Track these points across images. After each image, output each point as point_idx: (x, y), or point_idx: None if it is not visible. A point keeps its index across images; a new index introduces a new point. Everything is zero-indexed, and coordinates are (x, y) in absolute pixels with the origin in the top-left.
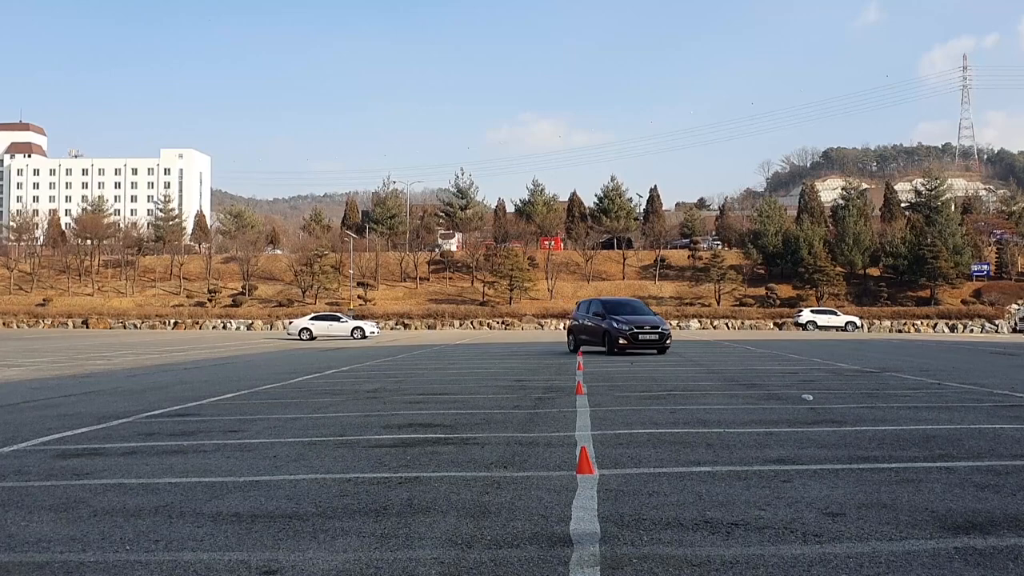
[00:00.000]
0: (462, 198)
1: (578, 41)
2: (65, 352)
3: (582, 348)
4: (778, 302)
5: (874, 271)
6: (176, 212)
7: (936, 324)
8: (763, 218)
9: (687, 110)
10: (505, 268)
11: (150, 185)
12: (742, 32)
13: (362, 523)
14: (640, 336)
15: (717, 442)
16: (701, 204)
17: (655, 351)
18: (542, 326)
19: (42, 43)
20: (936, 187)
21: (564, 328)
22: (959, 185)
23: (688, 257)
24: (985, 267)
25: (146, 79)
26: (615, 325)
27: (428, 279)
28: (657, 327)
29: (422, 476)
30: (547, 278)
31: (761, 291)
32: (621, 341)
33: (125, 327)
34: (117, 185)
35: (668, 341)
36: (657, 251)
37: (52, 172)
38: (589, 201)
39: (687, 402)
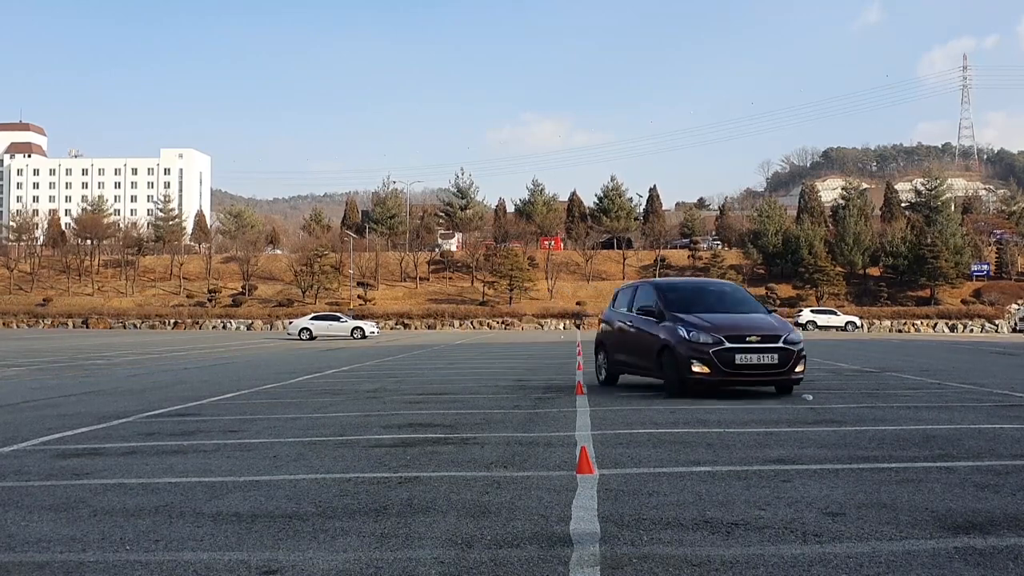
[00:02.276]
0: (462, 198)
1: (578, 41)
2: (65, 352)
3: (623, 376)
4: (778, 302)
5: (874, 271)
6: (176, 212)
7: (936, 324)
8: (763, 218)
9: (687, 110)
10: (505, 268)
11: (150, 185)
12: (742, 32)
13: (362, 523)
14: (739, 357)
15: (717, 442)
16: (701, 204)
17: (772, 387)
18: (542, 326)
19: (42, 43)
20: (936, 187)
21: (564, 328)
22: (959, 185)
23: (688, 257)
24: (985, 267)
25: (146, 79)
26: (685, 333)
27: (428, 279)
28: (778, 336)
29: (422, 476)
30: (547, 278)
31: (761, 291)
32: (698, 369)
33: (125, 327)
34: (117, 185)
35: (800, 368)
36: (657, 251)
37: (52, 172)
38: (589, 201)
39: (687, 402)
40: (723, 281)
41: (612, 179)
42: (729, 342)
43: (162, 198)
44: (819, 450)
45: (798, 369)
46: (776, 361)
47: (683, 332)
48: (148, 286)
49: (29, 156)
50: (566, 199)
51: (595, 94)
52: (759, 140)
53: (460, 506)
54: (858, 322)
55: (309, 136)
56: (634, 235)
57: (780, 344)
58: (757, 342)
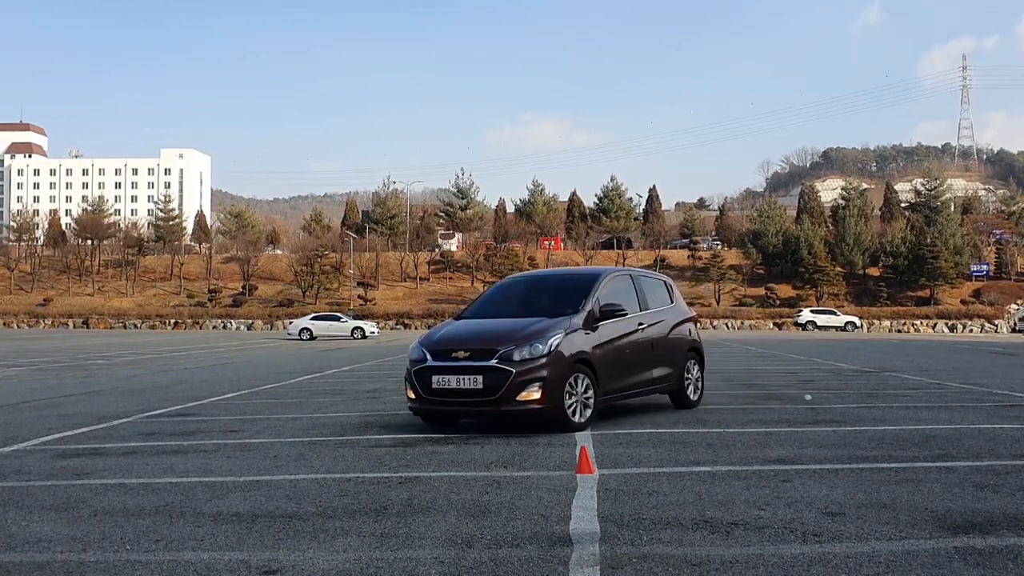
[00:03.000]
0: (462, 198)
1: (578, 41)
2: (65, 352)
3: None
4: (778, 302)
5: (874, 271)
6: (176, 212)
7: (936, 324)
8: (763, 218)
9: (687, 110)
10: (505, 268)
11: (150, 185)
12: (742, 32)
13: (362, 523)
14: (436, 380)
15: (717, 442)
16: (701, 204)
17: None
18: None
19: (42, 43)
20: (936, 187)
21: None
22: (959, 185)
23: (688, 257)
24: (985, 267)
25: (146, 79)
26: (417, 352)
27: (428, 279)
28: (493, 351)
29: (422, 476)
30: None
31: (761, 291)
32: (408, 392)
33: (125, 327)
34: (117, 185)
35: (529, 395)
36: (657, 251)
37: (52, 172)
38: (589, 201)
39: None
40: (592, 269)
41: (612, 179)
42: (433, 359)
43: (162, 198)
44: (819, 450)
45: (522, 396)
46: (480, 386)
47: (413, 345)
48: (148, 286)
49: (29, 156)
50: (566, 199)
51: (595, 94)
52: (759, 140)
53: (460, 506)
54: (858, 322)
55: (309, 136)
56: (634, 235)
57: (491, 362)
58: (464, 359)
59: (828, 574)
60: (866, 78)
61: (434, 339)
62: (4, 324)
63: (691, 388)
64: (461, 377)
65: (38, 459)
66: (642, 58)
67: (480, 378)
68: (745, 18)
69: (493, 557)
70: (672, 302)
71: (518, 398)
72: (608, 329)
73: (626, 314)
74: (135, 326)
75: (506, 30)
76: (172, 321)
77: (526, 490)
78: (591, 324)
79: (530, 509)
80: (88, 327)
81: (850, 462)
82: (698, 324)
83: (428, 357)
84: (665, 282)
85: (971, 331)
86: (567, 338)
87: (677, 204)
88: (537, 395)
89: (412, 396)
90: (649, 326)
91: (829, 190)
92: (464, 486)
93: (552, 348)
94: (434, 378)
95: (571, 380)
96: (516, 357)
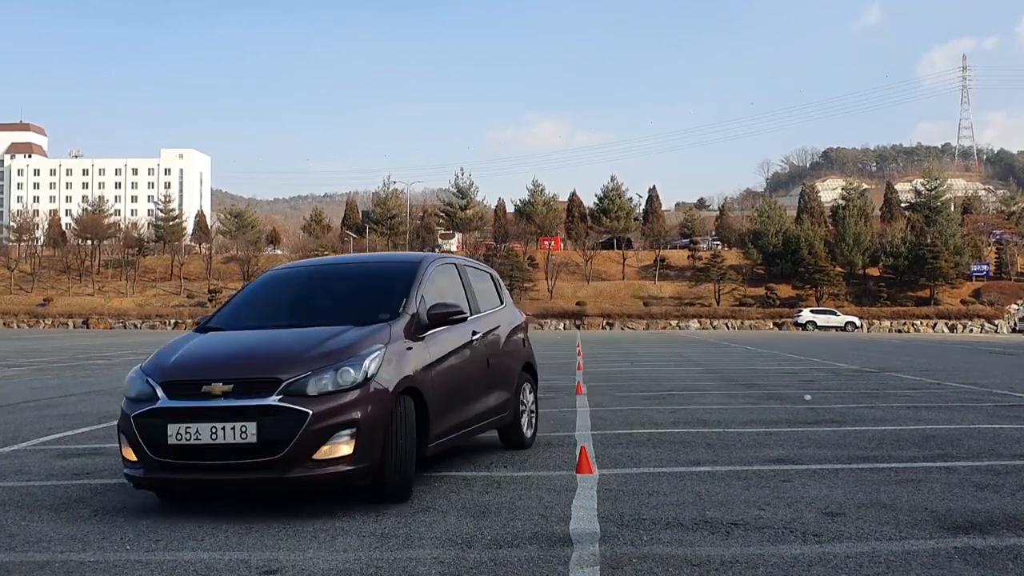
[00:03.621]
0: (462, 198)
1: (578, 41)
2: (65, 352)
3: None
4: (778, 302)
5: (874, 271)
6: (176, 212)
7: (936, 324)
8: (763, 218)
9: (687, 110)
10: (505, 268)
11: (150, 185)
12: (742, 32)
13: (362, 523)
14: (174, 431)
15: (717, 442)
16: (701, 204)
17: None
18: (542, 326)
19: (42, 43)
20: (936, 187)
21: (564, 328)
22: (959, 185)
23: (688, 257)
24: (985, 267)
25: (146, 79)
26: (139, 385)
27: None
28: (274, 382)
29: (422, 476)
30: (547, 278)
31: (761, 291)
32: (124, 451)
33: (126, 327)
34: (117, 185)
35: (335, 450)
36: (657, 251)
37: (52, 172)
38: (589, 201)
39: (687, 402)
40: (407, 256)
41: (612, 179)
42: (170, 396)
43: (162, 198)
44: (819, 450)
45: (323, 453)
46: (253, 439)
47: (132, 375)
48: (149, 286)
49: (29, 156)
50: (566, 199)
51: (595, 94)
52: (759, 140)
53: (460, 506)
54: (858, 322)
55: (309, 136)
56: (634, 235)
57: (271, 399)
58: (224, 395)
59: (828, 574)
60: (866, 78)
61: (170, 364)
62: (4, 324)
63: (526, 420)
64: (219, 426)
65: (38, 459)
66: (642, 58)
67: (253, 426)
68: (745, 18)
69: (493, 557)
70: (502, 302)
71: (316, 456)
72: (439, 342)
73: (465, 318)
74: (135, 326)
75: (506, 30)
76: (172, 321)
77: (526, 490)
78: (417, 334)
79: (530, 509)
80: (88, 327)
81: (850, 462)
82: (527, 330)
83: (160, 394)
84: (491, 275)
85: (971, 331)
86: (389, 355)
87: (677, 204)
88: (348, 449)
89: (133, 458)
90: (484, 335)
91: (829, 190)
92: (464, 486)
93: (370, 372)
94: (172, 429)
95: (396, 422)
96: (312, 390)
